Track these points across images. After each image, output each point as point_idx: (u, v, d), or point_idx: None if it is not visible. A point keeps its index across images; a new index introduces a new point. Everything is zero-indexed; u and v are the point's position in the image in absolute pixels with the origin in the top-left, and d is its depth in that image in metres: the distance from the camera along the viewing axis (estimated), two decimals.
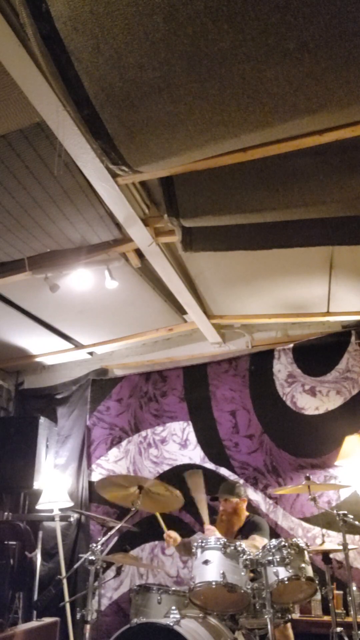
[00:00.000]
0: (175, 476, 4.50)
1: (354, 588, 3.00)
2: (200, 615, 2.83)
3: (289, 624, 3.08)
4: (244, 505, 3.65)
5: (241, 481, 4.18)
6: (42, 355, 5.12)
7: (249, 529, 3.49)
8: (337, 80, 1.91)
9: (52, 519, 4.44)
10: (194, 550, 2.82)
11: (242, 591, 2.63)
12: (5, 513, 4.76)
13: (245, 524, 3.56)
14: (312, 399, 4.30)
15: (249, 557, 2.73)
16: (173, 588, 3.08)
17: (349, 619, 3.08)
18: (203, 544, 2.78)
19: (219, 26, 1.73)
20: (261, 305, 4.32)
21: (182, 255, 3.48)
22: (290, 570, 2.65)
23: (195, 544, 2.84)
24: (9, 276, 3.52)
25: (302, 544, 2.80)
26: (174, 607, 2.75)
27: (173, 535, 3.52)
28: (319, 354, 4.39)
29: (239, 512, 3.59)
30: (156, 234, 3.17)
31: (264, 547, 2.80)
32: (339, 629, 2.86)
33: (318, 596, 3.27)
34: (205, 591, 2.70)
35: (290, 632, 3.11)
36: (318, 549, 3.15)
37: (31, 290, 3.79)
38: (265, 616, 2.60)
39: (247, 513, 3.65)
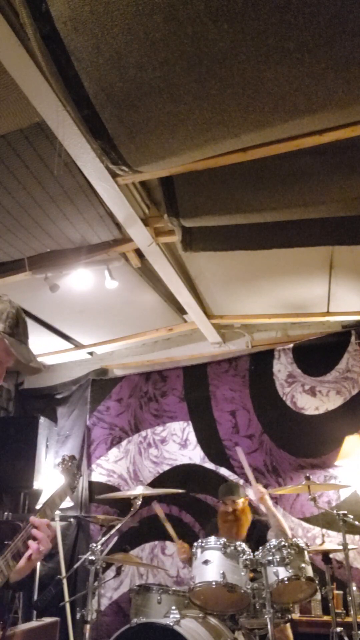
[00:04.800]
0: (175, 476, 4.51)
1: (354, 588, 3.00)
2: (200, 615, 2.83)
3: (288, 624, 3.07)
4: (247, 504, 3.64)
5: (241, 481, 4.18)
6: (42, 355, 5.11)
7: (260, 530, 3.47)
8: (337, 80, 1.91)
9: (52, 519, 4.44)
10: (194, 550, 2.82)
11: (242, 591, 2.63)
12: (5, 513, 4.75)
13: (254, 525, 3.53)
14: (312, 399, 4.30)
15: (249, 557, 2.73)
16: (173, 588, 3.08)
17: (349, 619, 3.08)
18: (203, 544, 2.78)
19: (219, 26, 1.73)
20: (261, 305, 4.31)
21: (182, 255, 3.48)
22: (290, 570, 2.65)
23: (195, 544, 2.84)
24: (9, 276, 3.52)
25: (302, 544, 2.80)
26: (174, 607, 2.76)
27: (186, 545, 3.49)
28: (319, 354, 4.39)
29: (247, 511, 3.56)
30: (156, 234, 3.17)
31: (264, 547, 2.80)
32: (339, 629, 2.87)
33: (318, 596, 3.25)
34: (205, 591, 2.71)
35: (290, 632, 3.11)
36: (318, 549, 3.15)
37: (31, 290, 3.79)
38: (265, 616, 2.60)
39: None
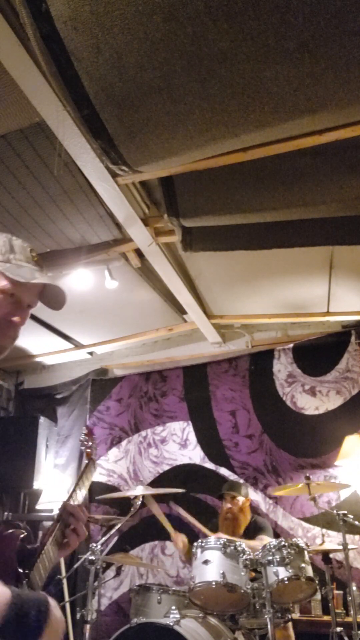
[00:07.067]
0: (175, 476, 4.51)
1: (354, 588, 3.00)
2: (200, 615, 2.83)
3: (289, 624, 3.07)
4: (248, 505, 3.65)
5: (241, 481, 4.17)
6: (42, 355, 5.11)
7: (254, 529, 3.49)
8: (337, 80, 1.91)
9: (52, 518, 4.43)
10: (193, 550, 2.82)
11: (242, 591, 2.63)
12: (5, 513, 4.75)
13: (251, 524, 3.55)
14: (312, 399, 4.30)
15: (249, 557, 2.73)
16: (173, 588, 3.07)
17: (349, 619, 3.08)
18: (203, 544, 2.78)
19: (219, 26, 1.73)
20: (261, 305, 4.31)
21: (182, 255, 3.48)
22: (290, 570, 2.64)
23: (195, 543, 2.84)
24: None
25: (302, 544, 2.80)
26: (173, 607, 2.75)
27: (183, 537, 3.44)
28: (319, 354, 4.39)
29: (245, 511, 3.58)
30: (156, 234, 3.17)
31: (264, 547, 2.80)
32: (339, 629, 2.86)
33: (318, 596, 3.26)
34: (205, 591, 2.70)
35: (292, 632, 3.11)
36: (318, 549, 3.15)
37: None
38: (265, 616, 2.60)
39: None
